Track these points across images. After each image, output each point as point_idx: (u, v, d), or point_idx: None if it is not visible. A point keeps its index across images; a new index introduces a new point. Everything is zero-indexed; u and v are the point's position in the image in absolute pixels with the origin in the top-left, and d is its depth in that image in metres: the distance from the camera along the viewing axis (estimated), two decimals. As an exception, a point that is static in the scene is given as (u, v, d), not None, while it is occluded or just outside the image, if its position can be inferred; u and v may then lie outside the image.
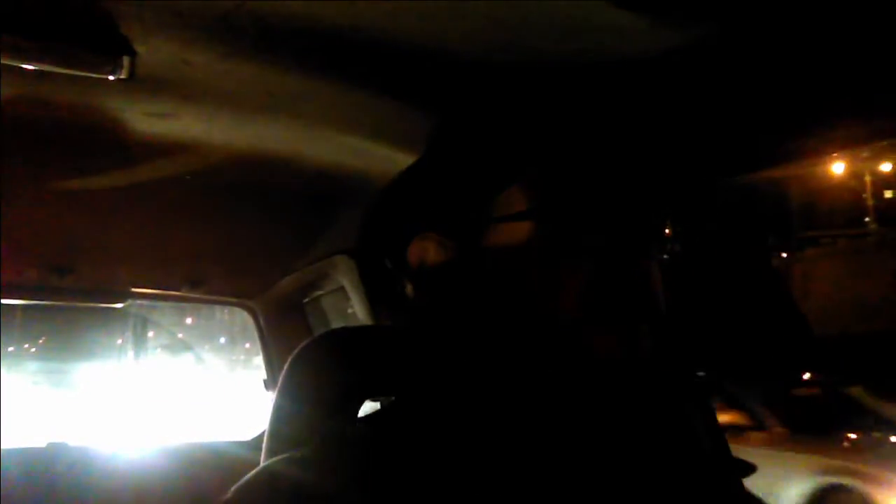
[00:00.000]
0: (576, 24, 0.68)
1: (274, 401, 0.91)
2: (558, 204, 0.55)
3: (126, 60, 0.81)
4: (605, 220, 0.56)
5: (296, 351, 0.94)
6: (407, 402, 0.63)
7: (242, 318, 2.12)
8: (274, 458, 0.59)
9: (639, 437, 0.58)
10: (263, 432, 0.91)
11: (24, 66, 0.80)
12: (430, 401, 0.60)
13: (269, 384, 2.08)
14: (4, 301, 1.75)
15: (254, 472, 0.57)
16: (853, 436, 5.68)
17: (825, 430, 5.74)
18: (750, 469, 0.65)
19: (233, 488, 0.56)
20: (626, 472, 0.57)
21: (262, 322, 2.07)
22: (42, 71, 0.82)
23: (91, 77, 0.83)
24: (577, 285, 0.55)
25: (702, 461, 0.63)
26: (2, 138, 1.05)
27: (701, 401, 0.67)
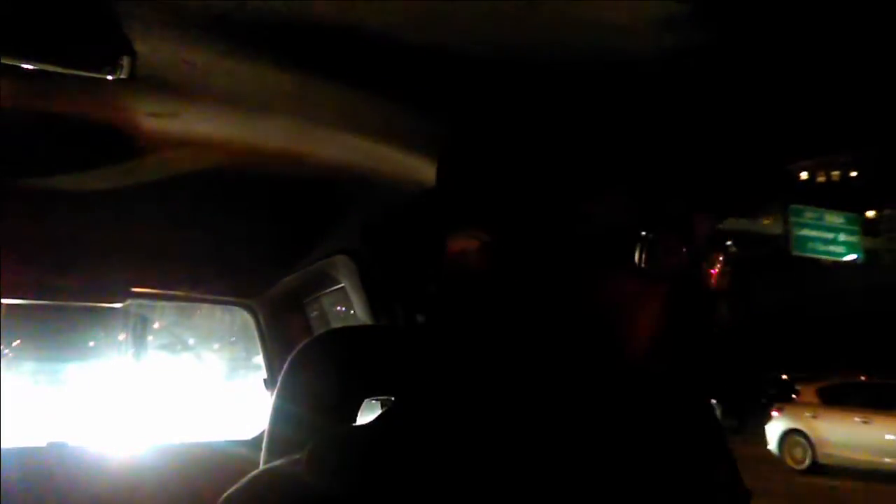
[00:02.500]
0: (581, 23, 0.68)
1: (274, 400, 0.91)
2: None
3: (126, 60, 0.81)
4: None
5: (295, 350, 0.94)
6: (409, 403, 0.63)
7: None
8: (272, 462, 0.58)
9: (650, 446, 0.58)
10: (264, 431, 0.91)
11: (24, 65, 0.80)
12: (435, 403, 0.59)
13: (268, 384, 2.08)
14: (4, 300, 1.75)
15: (251, 474, 0.57)
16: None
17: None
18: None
19: (229, 491, 0.55)
20: (636, 479, 0.57)
21: (262, 322, 2.07)
22: (42, 71, 0.82)
23: (91, 77, 0.83)
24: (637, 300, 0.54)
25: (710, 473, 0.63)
26: (2, 138, 1.05)
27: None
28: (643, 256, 0.54)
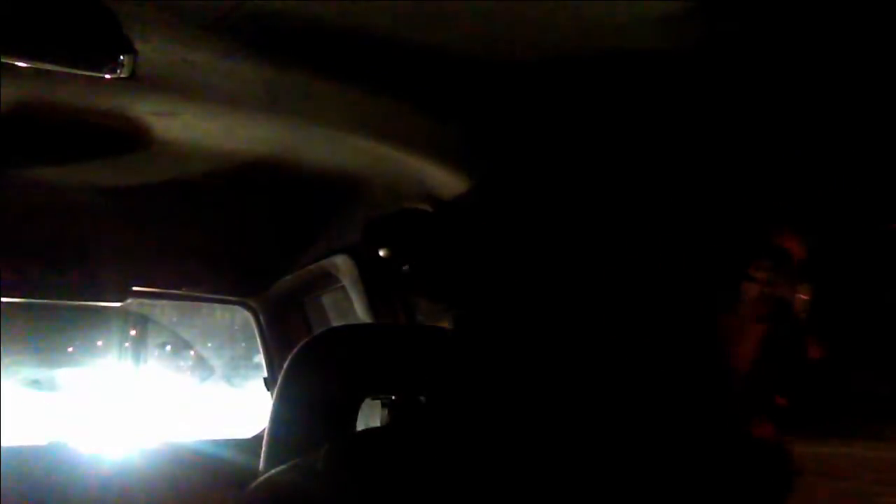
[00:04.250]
0: (582, 22, 0.68)
1: (274, 399, 0.91)
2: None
3: (126, 59, 0.81)
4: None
5: (295, 349, 0.94)
6: (422, 407, 0.62)
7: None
8: (279, 468, 0.57)
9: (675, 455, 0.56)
10: (264, 430, 0.91)
11: (24, 65, 0.80)
12: (454, 407, 0.58)
13: (269, 383, 2.08)
14: (4, 299, 1.75)
15: (258, 480, 0.56)
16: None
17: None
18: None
19: (235, 498, 0.54)
20: (661, 488, 0.55)
21: (262, 321, 2.07)
22: (42, 70, 0.82)
23: (91, 76, 0.83)
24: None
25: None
26: (2, 138, 1.05)
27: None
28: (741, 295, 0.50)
